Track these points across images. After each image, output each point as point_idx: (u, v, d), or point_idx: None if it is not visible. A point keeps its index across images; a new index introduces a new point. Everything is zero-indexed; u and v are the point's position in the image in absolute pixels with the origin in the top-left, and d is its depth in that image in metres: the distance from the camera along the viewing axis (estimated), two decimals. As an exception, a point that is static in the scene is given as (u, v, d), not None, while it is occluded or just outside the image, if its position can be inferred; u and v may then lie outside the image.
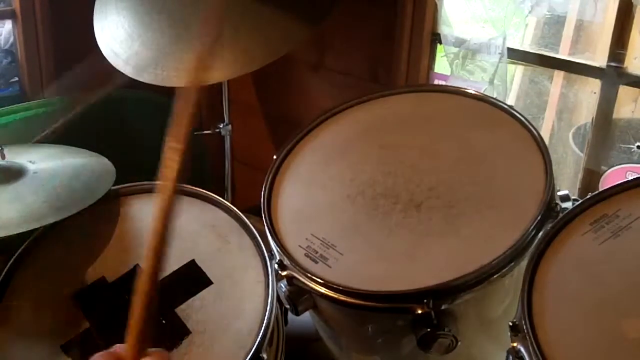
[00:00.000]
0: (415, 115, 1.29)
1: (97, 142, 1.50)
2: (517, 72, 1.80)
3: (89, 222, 1.26)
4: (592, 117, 1.44)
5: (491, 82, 1.53)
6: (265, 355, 1.03)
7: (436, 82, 1.69)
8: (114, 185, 1.30)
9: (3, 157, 1.31)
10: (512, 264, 0.99)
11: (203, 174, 2.10)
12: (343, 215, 1.13)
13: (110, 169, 1.36)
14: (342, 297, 1.01)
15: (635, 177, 1.03)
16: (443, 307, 0.97)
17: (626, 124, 1.46)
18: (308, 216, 1.15)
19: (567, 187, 1.60)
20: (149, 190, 1.32)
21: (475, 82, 1.57)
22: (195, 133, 1.91)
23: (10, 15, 1.72)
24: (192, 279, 1.15)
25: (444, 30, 1.60)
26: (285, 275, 1.07)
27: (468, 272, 0.97)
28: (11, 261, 1.21)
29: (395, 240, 1.06)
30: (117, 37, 1.52)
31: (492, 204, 1.07)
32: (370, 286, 1.00)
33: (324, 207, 1.16)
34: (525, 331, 0.86)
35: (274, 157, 1.26)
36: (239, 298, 1.11)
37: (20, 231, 1.16)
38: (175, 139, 0.65)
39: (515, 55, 1.53)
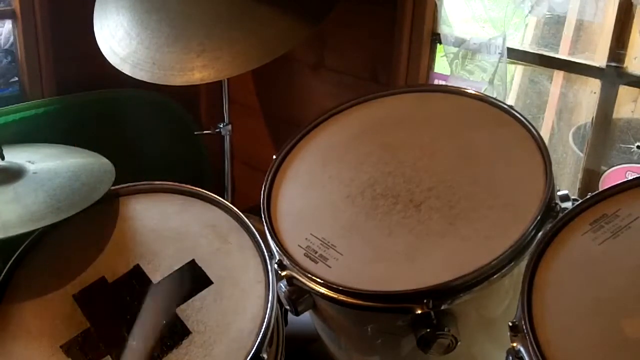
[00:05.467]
0: (415, 115, 1.29)
1: (97, 142, 1.50)
2: (517, 72, 1.80)
3: (88, 222, 1.26)
4: (592, 117, 1.44)
5: (491, 82, 1.53)
6: (265, 356, 1.03)
7: (436, 82, 1.69)
8: (114, 185, 1.31)
9: (3, 157, 1.31)
10: (512, 264, 0.99)
11: (203, 174, 2.10)
12: (343, 215, 1.13)
13: (110, 169, 1.36)
14: (342, 297, 1.01)
15: (635, 177, 1.03)
16: (443, 307, 0.97)
17: (626, 124, 1.46)
18: (308, 216, 1.15)
19: (567, 187, 1.60)
20: (149, 190, 1.32)
21: (475, 82, 1.56)
22: (195, 133, 1.92)
23: (10, 15, 1.71)
24: (192, 279, 1.15)
25: (443, 30, 1.60)
26: (285, 275, 1.07)
27: (468, 272, 0.97)
28: (11, 261, 1.21)
29: (395, 240, 1.06)
30: (115, 36, 1.52)
31: (492, 204, 1.07)
32: (370, 286, 1.00)
33: (324, 207, 1.16)
34: (525, 331, 0.86)
35: (274, 157, 1.26)
36: (239, 298, 1.11)
37: (20, 232, 1.16)
38: None
39: (515, 55, 1.53)
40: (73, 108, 1.78)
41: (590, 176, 1.47)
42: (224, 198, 1.27)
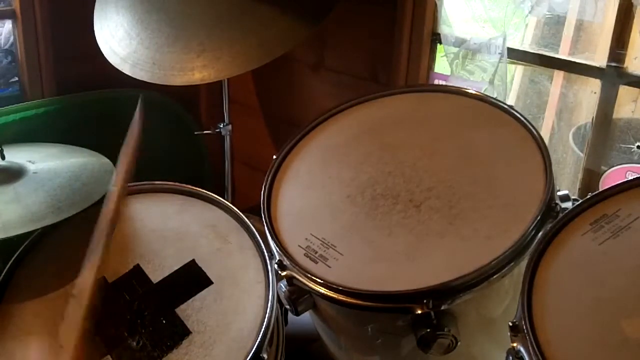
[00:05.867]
0: (416, 115, 1.29)
1: (97, 142, 1.50)
2: (517, 72, 1.80)
3: (88, 222, 1.26)
4: (592, 117, 1.44)
5: (491, 82, 1.53)
6: (265, 356, 1.03)
7: (436, 82, 1.69)
8: (114, 185, 1.30)
9: (3, 157, 1.31)
10: (512, 264, 0.99)
11: (203, 174, 2.10)
12: (343, 215, 1.13)
13: (110, 169, 1.36)
14: (342, 297, 1.01)
15: (635, 177, 1.03)
16: (443, 307, 0.97)
17: (626, 124, 1.46)
18: (308, 216, 1.15)
19: (567, 187, 1.60)
20: (149, 190, 1.32)
21: (475, 82, 1.56)
22: (195, 133, 1.92)
23: (10, 15, 1.71)
24: (192, 279, 1.15)
25: (444, 30, 1.60)
26: (285, 275, 1.07)
27: (468, 272, 0.97)
28: (11, 261, 1.21)
29: (395, 241, 1.06)
30: (116, 36, 1.52)
31: (492, 204, 1.07)
32: (370, 286, 1.00)
33: (324, 207, 1.16)
34: (525, 331, 0.86)
35: (274, 157, 1.26)
36: (239, 298, 1.11)
37: (20, 232, 1.16)
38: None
39: (515, 55, 1.53)
40: (73, 108, 1.78)
41: (591, 176, 1.47)
42: (224, 198, 1.27)
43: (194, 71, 1.43)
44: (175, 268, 1.17)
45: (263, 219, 1.15)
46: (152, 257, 1.19)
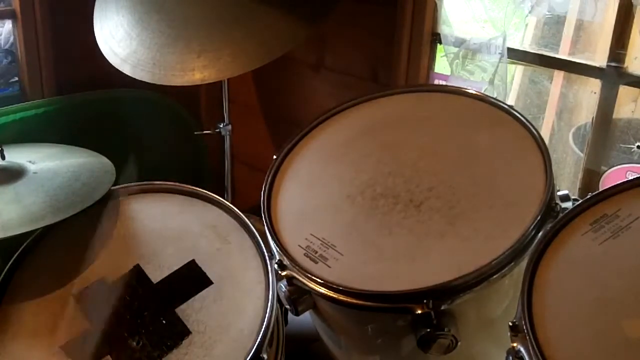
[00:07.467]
0: (415, 115, 1.29)
1: (97, 142, 1.50)
2: (517, 72, 1.80)
3: (88, 222, 1.26)
4: (592, 117, 1.44)
5: (491, 82, 1.53)
6: (265, 356, 1.03)
7: (436, 82, 1.69)
8: (114, 185, 1.31)
9: (3, 157, 1.31)
10: (512, 264, 0.99)
11: (203, 174, 2.10)
12: (343, 215, 1.13)
13: (110, 169, 1.36)
14: (342, 297, 1.01)
15: (635, 177, 1.03)
16: (443, 308, 0.97)
17: (626, 124, 1.46)
18: (308, 216, 1.15)
19: (567, 187, 1.60)
20: (149, 190, 1.32)
21: (475, 82, 1.56)
22: (195, 133, 1.92)
23: (10, 15, 1.72)
24: (192, 279, 1.15)
25: (444, 30, 1.60)
26: (285, 275, 1.07)
27: (468, 272, 0.97)
28: (11, 261, 1.21)
29: (395, 241, 1.06)
30: (116, 36, 1.52)
31: (492, 204, 1.07)
32: (370, 286, 1.00)
33: (324, 207, 1.16)
34: (525, 331, 0.86)
35: (274, 157, 1.27)
36: (239, 298, 1.11)
37: (20, 232, 1.16)
38: None
39: (515, 55, 1.53)
40: (73, 108, 1.78)
41: (591, 176, 1.47)
42: (224, 198, 1.27)
43: (195, 71, 1.43)
44: (175, 268, 1.17)
45: (263, 219, 1.15)
46: (152, 257, 1.19)
